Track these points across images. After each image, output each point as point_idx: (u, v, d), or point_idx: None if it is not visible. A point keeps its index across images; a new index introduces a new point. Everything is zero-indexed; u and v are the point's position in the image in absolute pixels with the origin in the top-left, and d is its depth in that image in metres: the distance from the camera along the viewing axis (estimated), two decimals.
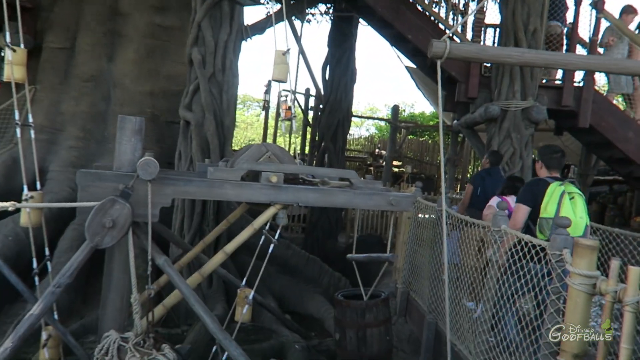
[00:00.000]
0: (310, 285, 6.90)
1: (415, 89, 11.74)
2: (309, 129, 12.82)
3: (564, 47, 6.81)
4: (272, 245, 3.96)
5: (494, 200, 4.31)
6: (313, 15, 10.60)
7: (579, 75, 6.87)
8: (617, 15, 6.74)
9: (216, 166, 3.99)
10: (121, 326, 3.79)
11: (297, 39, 9.93)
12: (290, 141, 9.27)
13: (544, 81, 7.09)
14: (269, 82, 16.22)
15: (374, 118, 19.92)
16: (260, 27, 8.76)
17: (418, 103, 31.57)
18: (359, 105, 33.12)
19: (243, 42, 7.54)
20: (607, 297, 2.37)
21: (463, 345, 4.05)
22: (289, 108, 11.40)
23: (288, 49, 4.09)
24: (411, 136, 19.90)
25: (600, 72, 5.06)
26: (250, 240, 4.96)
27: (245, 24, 7.57)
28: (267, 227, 4.12)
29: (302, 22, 8.66)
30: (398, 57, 10.75)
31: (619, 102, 7.10)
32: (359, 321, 4.29)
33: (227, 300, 5.83)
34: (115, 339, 3.42)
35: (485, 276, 3.58)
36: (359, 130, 24.27)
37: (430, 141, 19.77)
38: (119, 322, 3.76)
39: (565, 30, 6.89)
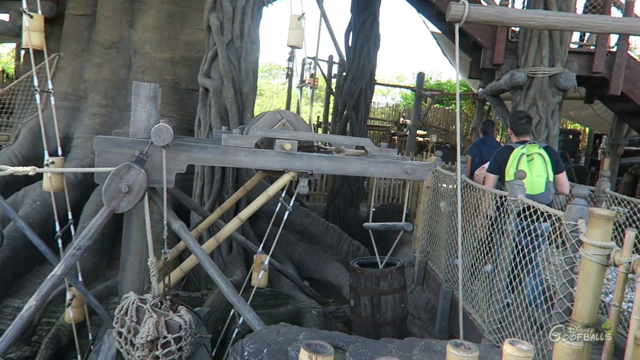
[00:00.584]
0: (329, 253, 6.96)
1: (442, 56, 11.40)
2: (332, 97, 12.69)
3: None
4: (287, 212, 3.98)
5: None
6: None
7: (613, 40, 6.55)
8: None
9: (231, 133, 4.00)
10: (140, 288, 3.92)
11: (319, 3, 9.70)
12: (311, 109, 9.18)
13: (575, 46, 6.80)
14: (292, 49, 16.09)
15: (398, 86, 19.52)
16: None
17: (446, 71, 30.80)
18: (385, 73, 32.56)
19: (264, 9, 7.43)
20: (621, 267, 2.31)
21: (477, 314, 4.05)
22: (312, 75, 11.28)
23: (303, 14, 4.00)
24: (437, 105, 19.50)
25: (630, 35, 4.75)
26: (271, 208, 5.00)
27: None
28: (283, 194, 4.13)
29: None
30: (424, 22, 10.45)
31: None
32: (374, 288, 4.31)
33: (247, 266, 5.94)
34: (134, 300, 3.54)
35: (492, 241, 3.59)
36: (385, 99, 23.92)
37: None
38: (138, 284, 3.88)
39: None
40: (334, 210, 10.21)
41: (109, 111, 7.59)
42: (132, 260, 3.87)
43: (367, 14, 9.90)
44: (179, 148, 3.61)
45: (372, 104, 19.23)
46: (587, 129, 14.89)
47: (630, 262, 2.27)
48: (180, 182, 3.74)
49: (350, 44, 10.20)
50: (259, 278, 4.03)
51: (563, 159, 14.45)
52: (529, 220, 3.02)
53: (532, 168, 3.73)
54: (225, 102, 6.06)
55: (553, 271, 3.01)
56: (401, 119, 16.52)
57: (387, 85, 17.88)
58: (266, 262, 4.04)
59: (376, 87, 11.65)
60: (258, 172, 4.74)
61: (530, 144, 3.86)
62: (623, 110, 7.45)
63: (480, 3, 6.91)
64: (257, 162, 3.64)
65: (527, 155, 3.77)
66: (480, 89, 9.14)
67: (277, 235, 4.07)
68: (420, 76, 13.32)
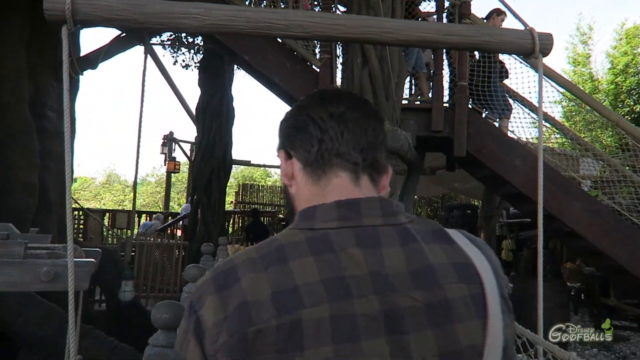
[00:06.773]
0: None
1: None
2: None
3: None
4: None
5: None
6: (175, 52, 9.28)
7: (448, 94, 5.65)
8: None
9: None
10: None
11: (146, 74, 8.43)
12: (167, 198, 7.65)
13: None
14: (171, 133, 14.77)
15: (266, 166, 17.70)
16: (92, 60, 7.30)
17: None
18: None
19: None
20: None
21: None
22: (172, 159, 9.60)
23: None
24: None
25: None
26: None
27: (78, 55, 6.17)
28: None
29: (146, 54, 7.32)
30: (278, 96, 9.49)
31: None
32: None
33: None
34: None
35: None
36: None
37: None
38: None
39: None
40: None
41: None
42: None
43: (214, 88, 8.82)
44: None
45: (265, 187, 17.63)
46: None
47: None
48: None
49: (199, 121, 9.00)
50: None
51: None
52: None
53: None
54: None
55: None
56: None
57: (238, 163, 15.19)
58: None
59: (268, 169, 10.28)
60: None
61: None
62: (485, 177, 6.42)
63: None
64: None
65: None
66: None
67: None
68: None
